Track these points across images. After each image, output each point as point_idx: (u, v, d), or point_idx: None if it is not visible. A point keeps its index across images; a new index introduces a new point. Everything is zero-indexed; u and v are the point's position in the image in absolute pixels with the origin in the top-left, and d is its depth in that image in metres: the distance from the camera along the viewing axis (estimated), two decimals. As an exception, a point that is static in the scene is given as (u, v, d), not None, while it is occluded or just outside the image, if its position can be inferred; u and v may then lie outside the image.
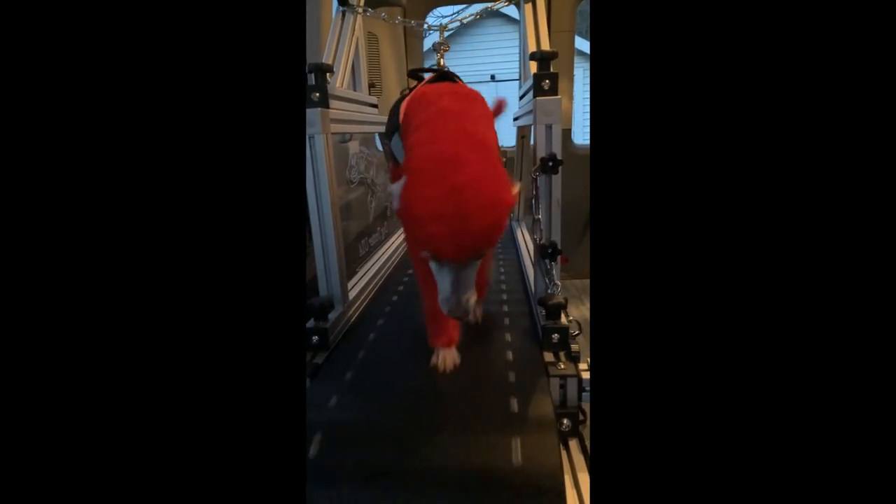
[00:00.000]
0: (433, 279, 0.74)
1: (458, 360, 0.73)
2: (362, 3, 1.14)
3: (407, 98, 0.75)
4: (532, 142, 0.83)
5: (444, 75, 0.81)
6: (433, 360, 0.73)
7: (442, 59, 0.99)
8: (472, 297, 0.57)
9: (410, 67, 2.33)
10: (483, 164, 0.55)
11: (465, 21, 1.11)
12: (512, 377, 0.68)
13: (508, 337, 0.81)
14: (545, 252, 0.77)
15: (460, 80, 0.85)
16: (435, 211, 0.52)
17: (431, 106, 0.67)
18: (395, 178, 0.79)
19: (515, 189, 0.58)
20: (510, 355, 0.74)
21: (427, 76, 0.81)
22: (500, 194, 0.54)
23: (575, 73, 2.52)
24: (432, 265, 0.58)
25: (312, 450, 0.56)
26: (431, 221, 0.52)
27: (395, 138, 0.75)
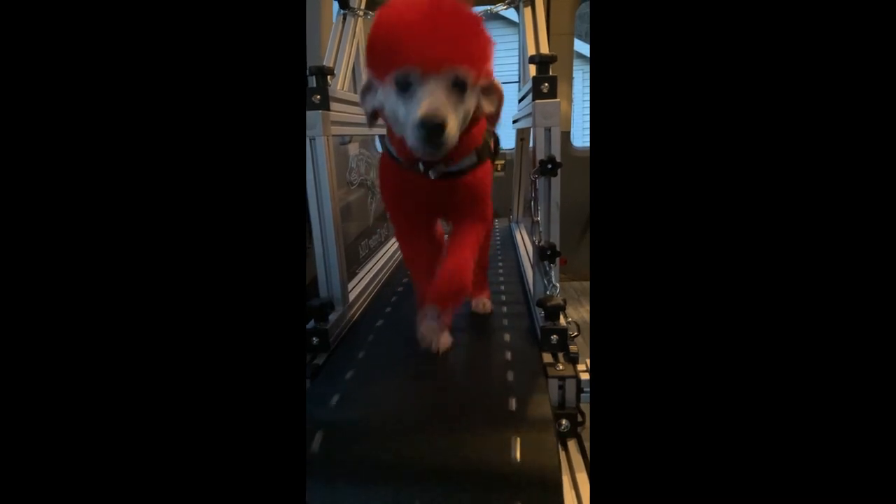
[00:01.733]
0: (421, 258, 0.75)
1: (448, 342, 0.74)
2: (363, 5, 1.14)
3: None
4: (531, 144, 0.84)
5: None
6: (472, 304, 0.78)
7: None
8: (451, 122, 0.52)
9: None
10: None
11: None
12: (511, 377, 0.68)
13: (507, 338, 0.81)
14: (544, 254, 0.78)
15: None
16: (412, 5, 0.50)
17: None
18: (382, 168, 0.79)
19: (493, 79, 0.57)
20: (509, 355, 0.74)
21: None
22: (480, 26, 0.53)
23: (574, 75, 2.52)
24: (397, 104, 0.54)
25: (313, 447, 0.56)
26: (400, 14, 0.50)
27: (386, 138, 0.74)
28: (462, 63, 0.52)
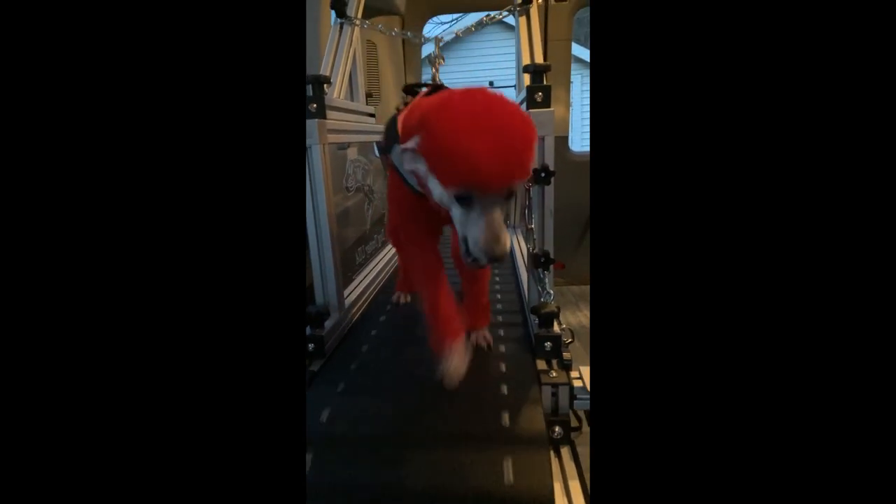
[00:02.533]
0: (433, 276, 0.73)
1: (491, 340, 0.76)
2: (360, 15, 1.15)
3: (403, 110, 0.76)
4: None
5: (437, 88, 0.82)
6: (472, 338, 0.74)
7: (437, 73, 0.99)
8: (508, 239, 0.53)
9: (407, 78, 2.34)
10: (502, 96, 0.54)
11: (460, 34, 1.12)
12: (504, 390, 0.68)
13: (502, 348, 0.81)
14: (538, 261, 0.78)
15: None
16: (470, 126, 0.49)
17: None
18: (393, 188, 0.79)
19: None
20: (503, 367, 0.74)
21: (422, 91, 0.82)
22: (528, 118, 0.54)
23: (572, 79, 2.53)
24: (458, 216, 0.54)
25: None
26: (468, 135, 0.49)
27: (396, 147, 0.76)
28: (522, 176, 0.53)
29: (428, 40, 1.10)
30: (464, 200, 0.53)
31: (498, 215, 0.53)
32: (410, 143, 0.56)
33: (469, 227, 0.54)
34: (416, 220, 0.76)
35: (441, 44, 1.04)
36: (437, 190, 0.56)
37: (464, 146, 0.49)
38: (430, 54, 1.03)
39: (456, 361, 0.67)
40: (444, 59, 1.01)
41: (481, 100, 0.52)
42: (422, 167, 0.56)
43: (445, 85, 0.88)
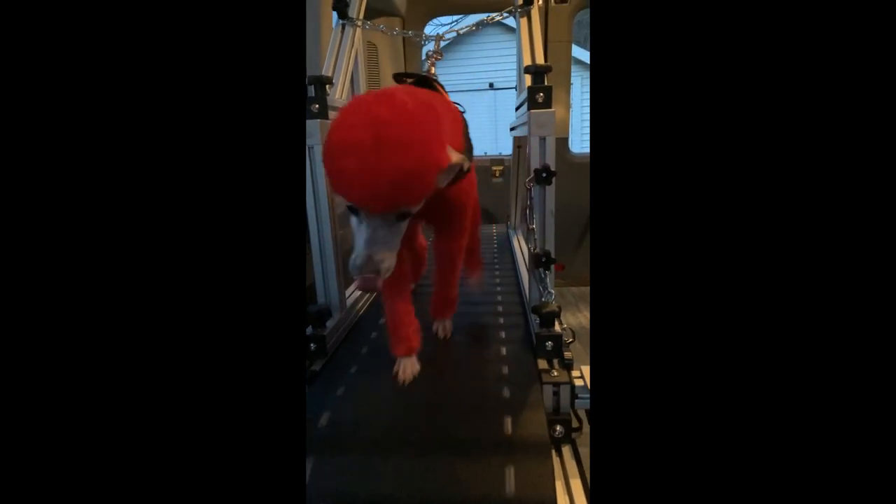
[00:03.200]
0: (394, 280, 0.70)
1: (417, 369, 0.72)
2: (362, 15, 1.16)
3: None
4: (528, 152, 0.85)
5: (422, 81, 0.80)
6: (395, 368, 0.72)
7: (433, 68, 0.99)
8: (387, 261, 0.51)
9: (396, 72, 2.35)
10: (419, 110, 0.49)
11: (461, 32, 1.13)
12: (506, 393, 0.67)
13: (504, 351, 0.81)
14: (539, 261, 0.78)
15: (441, 87, 0.85)
16: (349, 140, 0.46)
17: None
18: None
19: (455, 156, 0.52)
20: (505, 369, 0.74)
21: (408, 81, 0.82)
22: (429, 142, 0.48)
23: (572, 81, 2.54)
24: (352, 221, 0.52)
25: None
26: (343, 153, 0.46)
27: None
28: (406, 203, 0.50)
29: (429, 38, 1.11)
30: (352, 210, 0.51)
31: (382, 234, 0.50)
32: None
33: (355, 237, 0.52)
34: None
35: (442, 43, 1.04)
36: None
37: (340, 163, 0.47)
38: (428, 50, 1.03)
39: (407, 370, 0.72)
40: (441, 55, 1.01)
41: (377, 115, 0.47)
42: None
43: (436, 79, 0.88)
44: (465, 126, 0.74)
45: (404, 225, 0.54)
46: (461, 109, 0.81)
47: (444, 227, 0.79)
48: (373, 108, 0.48)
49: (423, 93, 0.62)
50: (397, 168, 0.46)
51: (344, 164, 0.46)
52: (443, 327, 0.86)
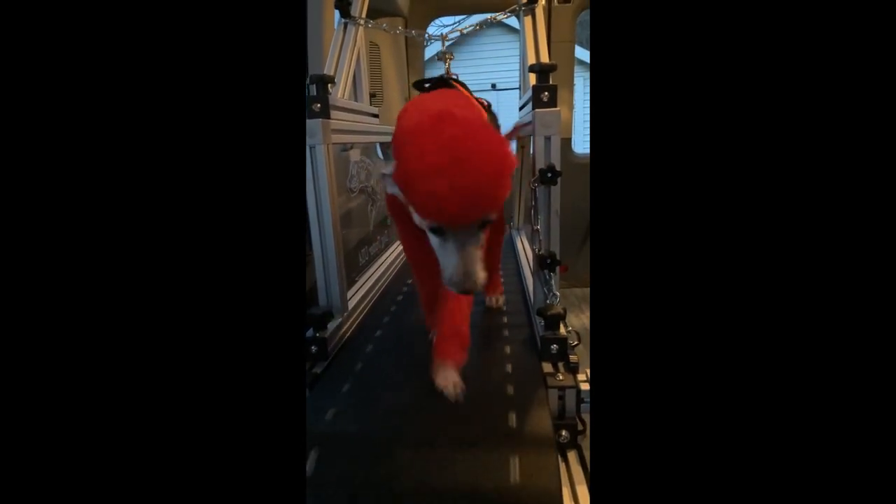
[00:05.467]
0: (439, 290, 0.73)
1: (459, 384, 0.67)
2: (364, 14, 1.15)
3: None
4: (532, 152, 0.84)
5: (440, 81, 0.81)
6: (438, 381, 0.67)
7: (448, 67, 1.00)
8: (482, 272, 0.54)
9: (411, 78, 2.35)
10: (476, 119, 0.53)
11: (464, 31, 1.12)
12: (511, 391, 0.67)
13: (508, 350, 0.80)
14: (544, 262, 0.77)
15: (462, 85, 0.86)
16: (432, 164, 0.48)
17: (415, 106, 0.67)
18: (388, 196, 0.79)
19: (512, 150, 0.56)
20: (509, 368, 0.74)
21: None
22: (500, 146, 0.52)
23: (575, 82, 2.53)
24: (434, 243, 0.55)
25: (308, 466, 0.55)
26: (429, 176, 0.49)
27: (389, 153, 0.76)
28: (492, 209, 0.53)
29: (432, 38, 1.10)
30: (437, 231, 0.54)
31: (472, 249, 0.53)
32: (387, 169, 0.55)
33: (444, 257, 0.55)
34: (411, 231, 0.75)
35: (446, 39, 1.04)
36: (415, 216, 0.56)
37: (428, 187, 0.49)
38: (439, 51, 1.04)
39: (450, 383, 0.66)
40: (452, 55, 1.01)
41: (449, 133, 0.50)
42: (399, 193, 0.56)
43: (455, 78, 0.87)
44: (496, 120, 0.74)
45: (484, 234, 0.56)
46: (487, 103, 0.81)
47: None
48: (439, 128, 0.51)
49: (459, 98, 0.63)
50: (482, 178, 0.49)
51: (433, 188, 0.49)
52: (496, 300, 0.96)
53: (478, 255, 0.54)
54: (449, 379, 0.66)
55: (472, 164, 0.49)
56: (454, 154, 0.49)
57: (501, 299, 1.00)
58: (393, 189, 0.58)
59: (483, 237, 0.55)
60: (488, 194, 0.50)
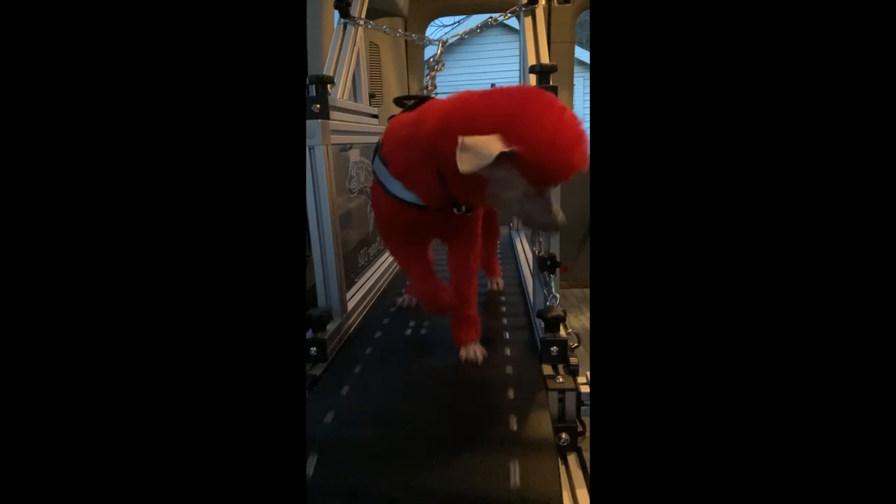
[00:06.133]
0: (418, 261, 0.80)
1: (485, 352, 0.78)
2: (364, 14, 1.15)
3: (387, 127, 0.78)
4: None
5: (421, 101, 0.78)
6: (462, 353, 0.77)
7: (432, 81, 0.94)
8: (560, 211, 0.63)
9: (410, 79, 2.34)
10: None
11: (464, 36, 1.11)
12: (511, 394, 0.67)
13: (508, 352, 0.80)
14: (544, 264, 0.77)
15: None
16: (566, 134, 0.57)
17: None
18: (375, 193, 0.79)
19: None
20: (509, 370, 0.74)
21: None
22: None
23: (575, 82, 2.53)
24: (527, 207, 0.61)
25: (307, 471, 0.55)
26: (569, 145, 0.57)
27: (377, 160, 0.76)
28: None
29: (431, 42, 1.10)
30: (535, 194, 0.60)
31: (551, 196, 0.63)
32: (504, 161, 0.57)
33: (537, 214, 0.62)
34: (400, 229, 0.78)
35: (445, 45, 1.03)
36: (508, 193, 0.61)
37: (566, 157, 0.57)
38: (429, 59, 1.00)
39: (477, 352, 0.77)
40: (443, 66, 0.98)
41: (555, 107, 0.59)
42: (500, 173, 0.60)
43: (432, 97, 0.84)
44: None
45: None
46: None
47: (456, 236, 0.79)
48: (556, 106, 0.59)
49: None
50: (585, 142, 0.58)
51: (573, 155, 0.57)
52: (475, 351, 0.79)
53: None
54: (471, 350, 0.78)
55: (578, 127, 0.58)
56: (569, 125, 0.58)
57: (501, 282, 1.15)
58: (389, 183, 0.60)
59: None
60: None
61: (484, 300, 1.06)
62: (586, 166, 0.57)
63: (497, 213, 1.10)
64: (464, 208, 0.71)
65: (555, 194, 0.63)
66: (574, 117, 0.59)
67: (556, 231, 0.65)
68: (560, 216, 0.63)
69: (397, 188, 0.71)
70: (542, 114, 0.58)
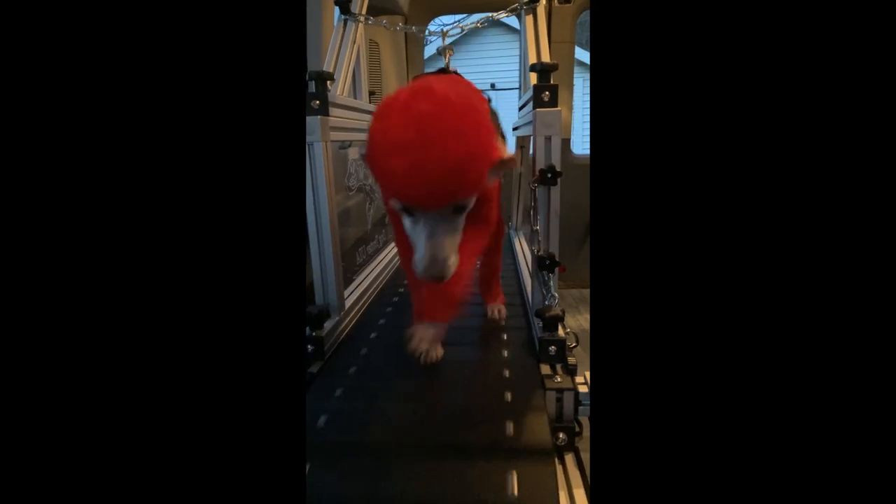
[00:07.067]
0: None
1: (440, 355, 0.70)
2: (364, 11, 1.14)
3: None
4: (531, 152, 0.83)
5: (442, 72, 0.80)
6: (412, 343, 0.69)
7: (448, 61, 0.97)
8: (451, 258, 0.51)
9: (410, 76, 2.34)
10: (461, 100, 0.48)
11: (465, 28, 1.11)
12: (508, 397, 0.66)
13: (505, 353, 0.80)
14: (543, 263, 0.77)
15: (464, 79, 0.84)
16: (396, 140, 0.45)
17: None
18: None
19: (505, 152, 0.53)
20: (507, 373, 0.73)
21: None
22: (476, 131, 0.47)
23: (575, 83, 2.53)
24: (406, 223, 0.53)
25: None
26: (392, 153, 0.45)
27: None
28: (462, 198, 0.50)
29: (433, 35, 1.09)
30: (407, 212, 0.52)
31: (442, 233, 0.50)
32: (360, 151, 0.53)
33: (415, 239, 0.53)
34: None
35: (446, 35, 1.03)
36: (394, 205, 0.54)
37: (389, 164, 0.46)
38: (439, 47, 1.03)
39: (426, 347, 0.69)
40: (452, 50, 1.00)
41: (420, 109, 0.46)
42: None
43: (457, 71, 0.86)
44: (497, 117, 0.73)
45: (462, 220, 0.53)
46: (488, 98, 0.79)
47: (474, 223, 0.75)
48: (411, 104, 0.46)
49: (458, 82, 0.61)
50: (447, 159, 0.45)
51: (393, 164, 0.45)
52: (497, 311, 0.81)
53: (450, 241, 0.51)
54: (423, 340, 0.67)
55: (439, 143, 0.44)
56: (421, 131, 0.45)
57: (503, 310, 0.92)
58: (365, 170, 0.56)
59: (460, 223, 0.53)
60: (455, 178, 0.46)
61: (479, 324, 0.95)
62: (431, 189, 0.46)
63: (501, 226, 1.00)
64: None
65: (441, 240, 0.50)
66: (441, 128, 0.45)
67: (432, 279, 0.52)
68: (438, 265, 0.50)
69: None
70: (390, 114, 0.47)
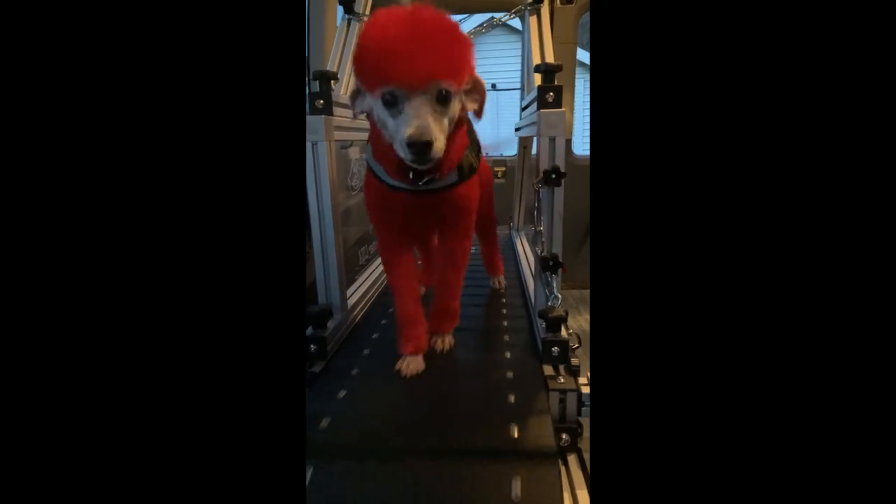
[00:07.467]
0: (406, 278, 0.76)
1: (421, 367, 0.74)
2: (367, 10, 1.14)
3: None
4: (534, 153, 0.83)
5: None
6: (398, 364, 0.73)
7: None
8: (439, 140, 0.54)
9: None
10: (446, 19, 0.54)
11: (471, 34, 1.11)
12: (512, 399, 0.66)
13: (508, 355, 0.79)
14: (546, 264, 0.77)
15: None
16: (385, 23, 0.51)
17: None
18: (366, 181, 0.78)
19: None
20: (510, 374, 0.73)
21: None
22: (458, 29, 0.54)
23: (576, 84, 2.53)
24: (389, 124, 0.55)
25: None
26: (381, 33, 0.51)
27: (367, 147, 0.74)
28: (445, 77, 0.54)
29: None
30: (390, 104, 0.54)
31: (427, 116, 0.53)
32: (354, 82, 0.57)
33: (398, 129, 0.54)
34: (390, 214, 0.75)
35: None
36: (375, 109, 0.57)
37: (378, 43, 0.51)
38: None
39: (411, 366, 0.73)
40: None
41: (408, 9, 0.52)
42: (366, 100, 0.58)
43: None
44: (469, 122, 0.73)
45: (447, 111, 0.56)
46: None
47: (447, 235, 0.78)
48: (399, 9, 0.52)
49: None
50: (433, 35, 0.51)
51: (383, 41, 0.50)
52: (442, 341, 0.81)
53: (436, 123, 0.54)
54: (407, 363, 0.73)
55: (427, 23, 0.51)
56: (410, 16, 0.51)
57: (503, 281, 1.14)
58: (362, 106, 0.60)
59: (445, 116, 0.56)
60: (447, 54, 0.52)
61: (485, 301, 1.05)
62: (421, 57, 0.50)
63: (493, 212, 1.09)
64: (426, 178, 0.64)
65: (425, 112, 0.53)
66: (427, 14, 0.52)
67: (417, 156, 0.53)
68: (425, 131, 0.52)
69: (381, 171, 0.70)
70: (380, 13, 0.53)
